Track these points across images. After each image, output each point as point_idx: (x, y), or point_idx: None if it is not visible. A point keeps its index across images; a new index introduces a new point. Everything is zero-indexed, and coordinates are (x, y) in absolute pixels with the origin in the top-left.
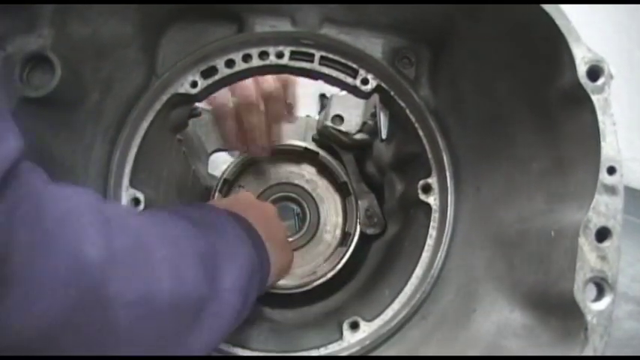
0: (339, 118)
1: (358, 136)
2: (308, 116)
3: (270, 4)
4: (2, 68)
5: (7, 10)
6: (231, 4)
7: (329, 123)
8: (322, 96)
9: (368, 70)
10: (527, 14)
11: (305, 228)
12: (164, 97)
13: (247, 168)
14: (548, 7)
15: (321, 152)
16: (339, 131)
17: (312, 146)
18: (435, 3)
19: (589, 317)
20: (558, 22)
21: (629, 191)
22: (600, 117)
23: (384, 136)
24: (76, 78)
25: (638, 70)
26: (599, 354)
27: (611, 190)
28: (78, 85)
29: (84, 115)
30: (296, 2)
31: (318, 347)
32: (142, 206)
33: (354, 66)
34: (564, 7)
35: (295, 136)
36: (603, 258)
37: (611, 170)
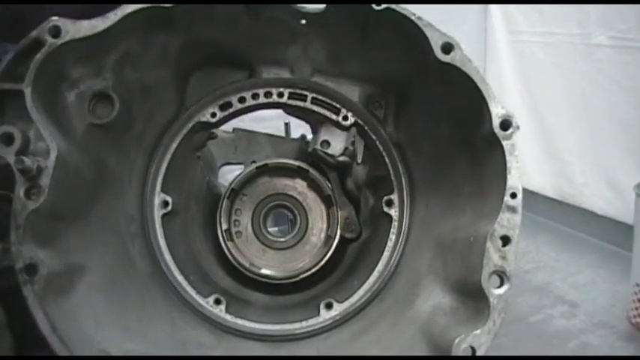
0: (326, 143)
1: (341, 158)
2: (303, 138)
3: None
4: (76, 102)
5: (81, 62)
6: (245, 58)
7: (318, 146)
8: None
9: (348, 110)
10: (460, 79)
11: (295, 230)
12: (190, 125)
13: (250, 180)
14: (473, 75)
15: (311, 170)
16: (326, 153)
17: (304, 165)
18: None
19: (491, 299)
20: (480, 86)
21: (580, 211)
22: (508, 157)
23: (359, 160)
24: (128, 110)
25: (590, 108)
26: (497, 326)
27: (512, 209)
28: (129, 116)
29: (131, 138)
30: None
31: (300, 321)
32: (169, 207)
33: (337, 106)
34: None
35: (291, 156)
36: (504, 257)
37: (513, 195)
